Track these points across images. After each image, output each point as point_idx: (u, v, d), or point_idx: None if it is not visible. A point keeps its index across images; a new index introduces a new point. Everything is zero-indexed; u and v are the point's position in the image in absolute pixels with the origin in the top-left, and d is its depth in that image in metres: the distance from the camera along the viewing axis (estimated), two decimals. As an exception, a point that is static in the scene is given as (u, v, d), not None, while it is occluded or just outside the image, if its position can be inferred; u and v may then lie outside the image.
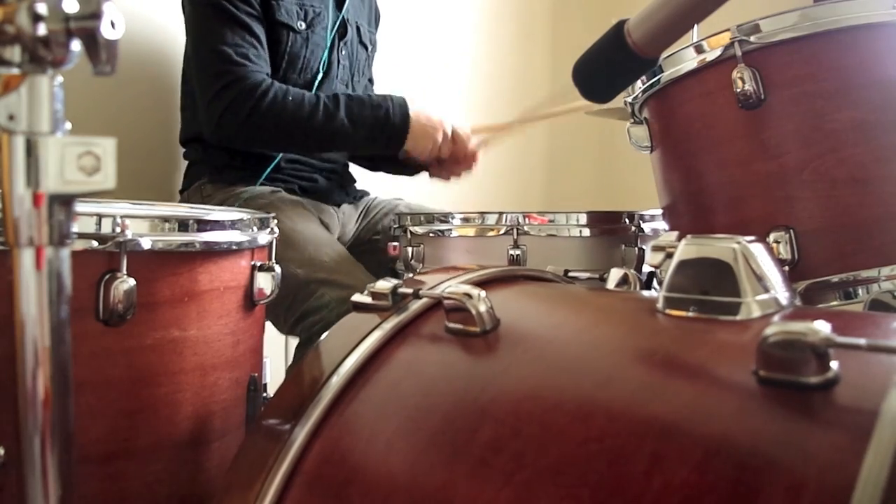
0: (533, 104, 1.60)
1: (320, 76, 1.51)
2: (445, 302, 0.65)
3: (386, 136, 1.40)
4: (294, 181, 1.54)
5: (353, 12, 1.61)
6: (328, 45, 1.53)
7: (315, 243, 1.36)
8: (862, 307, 0.94)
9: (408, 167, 1.67)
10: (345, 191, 1.66)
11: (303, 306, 1.28)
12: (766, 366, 0.47)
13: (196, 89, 1.44)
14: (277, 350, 1.66)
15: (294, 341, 1.43)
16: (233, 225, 0.90)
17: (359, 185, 1.74)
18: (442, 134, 1.43)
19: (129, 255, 0.78)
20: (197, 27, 1.43)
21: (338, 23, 1.55)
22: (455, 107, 2.41)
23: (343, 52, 1.58)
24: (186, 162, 1.60)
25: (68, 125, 0.46)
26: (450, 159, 1.55)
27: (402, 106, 1.42)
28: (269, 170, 1.47)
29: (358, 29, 1.63)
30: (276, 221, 1.01)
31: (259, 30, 1.41)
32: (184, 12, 1.48)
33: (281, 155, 1.49)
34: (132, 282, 0.78)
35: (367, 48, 1.67)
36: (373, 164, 1.78)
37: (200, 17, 1.42)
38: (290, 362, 1.66)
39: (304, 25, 1.48)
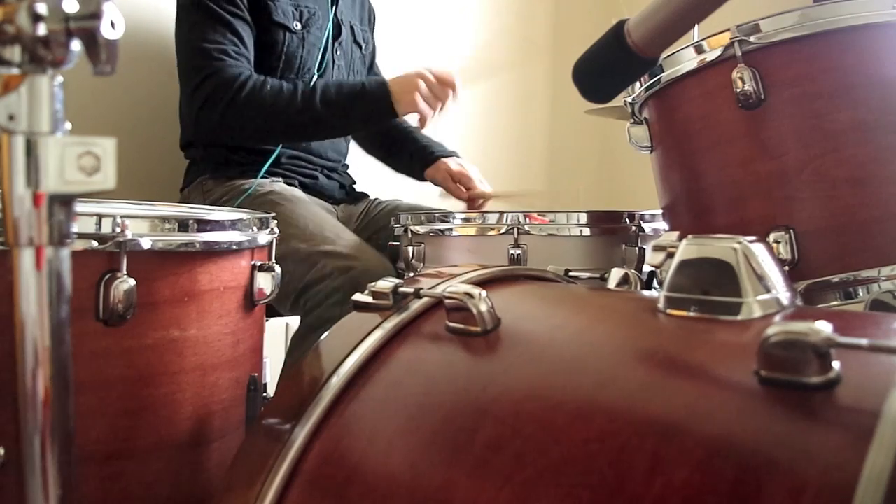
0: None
1: (316, 76, 1.52)
2: (446, 301, 0.65)
3: (368, 103, 1.39)
4: (294, 176, 1.55)
5: (346, 12, 1.63)
6: (323, 45, 1.54)
7: (315, 220, 1.38)
8: (862, 307, 0.94)
9: (413, 168, 1.69)
10: (344, 190, 1.67)
11: (305, 278, 1.29)
12: (768, 366, 0.47)
13: (179, 87, 1.46)
14: (277, 350, 1.66)
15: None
16: (233, 225, 0.90)
17: (358, 187, 1.75)
18: (423, 79, 1.41)
19: (129, 255, 0.77)
20: (181, 26, 1.46)
21: (331, 23, 1.56)
22: (454, 107, 2.41)
23: (338, 52, 1.59)
24: (187, 161, 1.60)
25: (68, 125, 0.46)
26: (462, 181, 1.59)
27: (378, 77, 1.43)
28: (268, 164, 1.48)
29: (352, 28, 1.65)
30: (275, 222, 1.01)
31: (242, 28, 1.42)
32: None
33: (280, 149, 1.50)
34: (132, 282, 0.78)
35: (360, 47, 1.68)
36: (384, 153, 1.79)
37: (184, 17, 1.45)
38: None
39: (299, 26, 1.49)
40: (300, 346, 1.28)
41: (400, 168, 1.78)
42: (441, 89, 1.43)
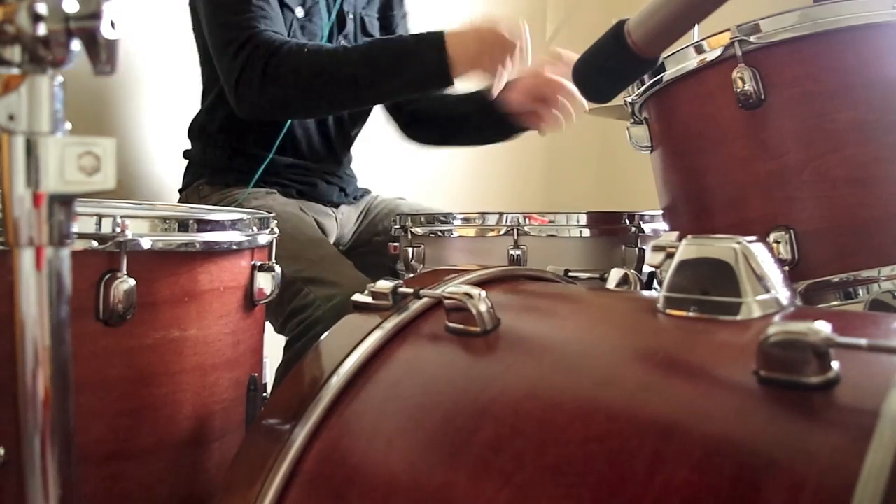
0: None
1: None
2: (446, 302, 0.65)
3: (419, 63, 1.25)
4: (292, 185, 1.52)
5: (354, 3, 1.57)
6: (325, 36, 1.49)
7: (301, 241, 1.34)
8: (862, 307, 0.94)
9: (502, 128, 1.50)
10: (344, 192, 1.63)
11: (290, 305, 1.27)
12: (767, 366, 0.47)
13: (218, 71, 1.38)
14: (277, 350, 1.66)
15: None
16: (233, 225, 0.90)
17: (360, 183, 1.71)
18: (486, 37, 1.22)
19: (129, 255, 0.77)
20: (207, 7, 1.39)
21: (335, 14, 1.51)
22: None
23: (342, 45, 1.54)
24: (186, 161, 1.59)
25: (68, 125, 0.46)
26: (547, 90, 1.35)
27: (436, 32, 1.26)
28: (258, 173, 1.43)
29: (362, 20, 1.59)
30: (275, 221, 1.01)
31: None
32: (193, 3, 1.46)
33: (271, 156, 1.45)
34: (132, 282, 0.78)
35: (372, 37, 1.61)
36: (464, 134, 1.65)
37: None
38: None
39: (302, 13, 1.45)
40: (284, 375, 1.24)
41: (471, 136, 1.64)
42: (503, 50, 1.24)
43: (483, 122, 1.55)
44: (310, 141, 1.54)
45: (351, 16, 1.56)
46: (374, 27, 1.61)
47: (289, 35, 1.42)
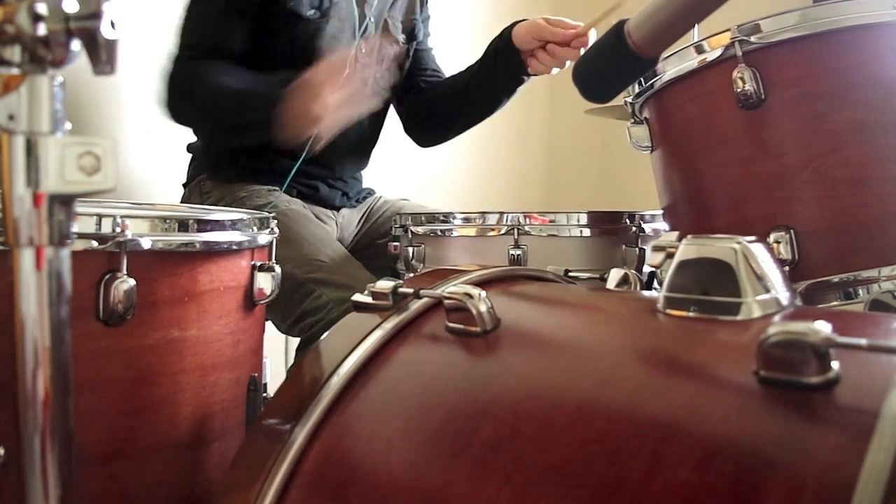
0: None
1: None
2: (446, 302, 0.65)
3: (256, 105, 1.30)
4: (294, 186, 1.50)
5: (378, 6, 1.54)
6: (343, 40, 1.47)
7: (312, 242, 1.34)
8: (862, 307, 0.94)
9: (505, 80, 1.49)
10: (347, 196, 1.61)
11: (301, 307, 1.27)
12: (767, 366, 0.47)
13: None
14: (277, 350, 1.66)
15: (294, 341, 1.42)
16: (233, 225, 0.90)
17: (364, 184, 1.70)
18: (327, 89, 1.23)
19: (129, 255, 0.77)
20: (184, 14, 1.43)
21: (356, 17, 1.49)
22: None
23: (363, 49, 1.50)
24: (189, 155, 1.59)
25: (68, 125, 0.46)
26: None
27: (288, 82, 1.27)
28: (288, 180, 1.45)
29: (385, 24, 1.57)
30: (275, 221, 1.01)
31: (239, 22, 1.38)
32: None
33: (298, 165, 1.45)
34: (132, 282, 0.78)
35: (396, 43, 1.59)
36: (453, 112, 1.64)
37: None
38: (290, 362, 1.64)
39: (317, 13, 1.43)
40: None
41: (475, 105, 1.60)
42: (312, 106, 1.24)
43: (486, 81, 1.53)
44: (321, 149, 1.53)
45: (372, 20, 1.53)
46: (396, 31, 1.60)
47: (302, 43, 1.42)
